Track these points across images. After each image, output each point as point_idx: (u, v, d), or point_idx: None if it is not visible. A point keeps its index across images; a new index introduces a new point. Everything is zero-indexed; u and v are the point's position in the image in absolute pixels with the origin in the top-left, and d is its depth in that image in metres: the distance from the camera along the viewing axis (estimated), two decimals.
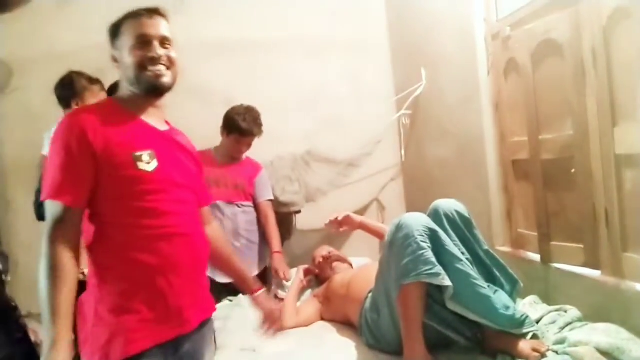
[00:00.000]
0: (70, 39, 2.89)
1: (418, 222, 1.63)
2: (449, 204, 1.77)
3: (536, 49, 1.92)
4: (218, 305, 2.52)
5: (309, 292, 2.44)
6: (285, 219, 2.85)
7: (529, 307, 1.88)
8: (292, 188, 2.76)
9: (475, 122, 2.37)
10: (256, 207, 2.65)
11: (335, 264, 2.35)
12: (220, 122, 3.10)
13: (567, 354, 1.44)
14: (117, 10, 3.26)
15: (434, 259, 1.57)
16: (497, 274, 1.76)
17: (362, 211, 3.24)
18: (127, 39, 1.27)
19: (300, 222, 3.00)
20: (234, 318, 2.34)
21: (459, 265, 1.60)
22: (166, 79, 1.27)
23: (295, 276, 2.42)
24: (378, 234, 2.31)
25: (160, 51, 1.28)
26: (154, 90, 1.28)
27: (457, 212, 1.75)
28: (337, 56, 3.23)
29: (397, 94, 3.20)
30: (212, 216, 1.56)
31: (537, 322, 1.74)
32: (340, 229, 2.22)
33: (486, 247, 1.78)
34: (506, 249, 2.30)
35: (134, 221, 1.21)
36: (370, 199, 3.28)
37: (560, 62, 1.80)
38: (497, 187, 2.33)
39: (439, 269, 1.56)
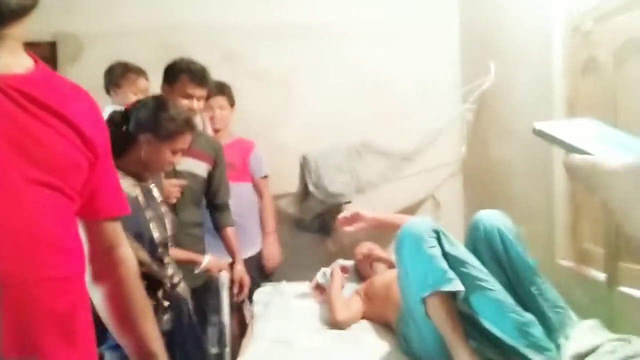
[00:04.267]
0: (141, 16, 2.96)
1: (423, 225, 1.56)
2: (491, 219, 1.65)
3: (620, 48, 1.71)
4: (259, 290, 2.53)
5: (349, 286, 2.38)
6: (334, 208, 2.80)
7: (588, 331, 1.71)
8: (342, 178, 2.70)
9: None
10: (254, 185, 2.62)
11: (375, 263, 2.27)
12: (279, 106, 3.08)
13: None
14: None
15: (444, 264, 1.51)
16: (539, 303, 1.61)
17: (415, 207, 3.12)
18: None
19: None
20: (274, 305, 2.34)
21: (463, 269, 1.53)
22: None
23: (335, 271, 2.36)
24: None
25: None
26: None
27: (499, 229, 1.62)
28: (403, 43, 3.09)
29: (463, 87, 3.03)
30: (123, 237, 0.99)
31: (595, 349, 1.58)
32: (350, 227, 2.02)
33: (528, 273, 1.63)
34: (568, 263, 2.12)
35: None
36: (425, 195, 3.15)
37: None
38: (563, 195, 2.14)
39: (450, 273, 1.50)
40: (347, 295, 2.23)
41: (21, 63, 0.77)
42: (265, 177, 2.69)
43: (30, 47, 0.81)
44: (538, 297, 1.61)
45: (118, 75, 2.10)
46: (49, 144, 0.76)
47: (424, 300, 1.52)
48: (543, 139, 0.48)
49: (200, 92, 2.10)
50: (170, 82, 2.12)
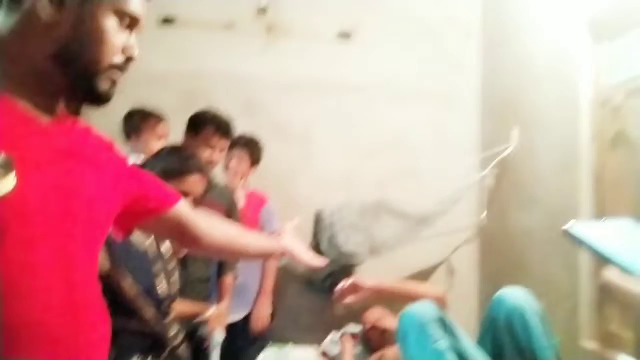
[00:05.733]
0: (164, 62, 3.00)
1: (427, 315, 1.46)
2: (515, 298, 1.53)
3: None
4: (265, 352, 2.40)
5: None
6: (346, 269, 2.70)
7: None
8: (356, 238, 2.61)
9: (571, 194, 2.12)
10: None
11: (385, 334, 2.12)
12: (296, 160, 3.05)
13: None
14: (213, 40, 3.35)
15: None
16: None
17: (429, 272, 3.01)
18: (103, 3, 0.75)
19: (362, 273, 2.81)
20: None
21: None
22: (113, 90, 0.81)
23: (346, 342, 2.22)
24: (410, 297, 2.01)
25: (134, 49, 0.82)
26: (91, 101, 0.80)
27: (522, 311, 1.49)
28: (422, 104, 3.08)
29: (483, 151, 2.99)
30: (192, 215, 1.08)
31: None
32: (349, 299, 1.86)
33: None
34: (593, 345, 1.98)
35: None
36: (440, 260, 3.04)
37: None
38: (588, 271, 2.04)
39: None
40: None
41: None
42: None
43: None
44: None
45: (138, 121, 2.10)
46: (88, 193, 0.79)
47: None
48: (573, 242, 0.41)
49: (223, 143, 2.14)
50: (194, 132, 2.14)
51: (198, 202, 2.13)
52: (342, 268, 2.64)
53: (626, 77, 1.87)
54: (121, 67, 0.80)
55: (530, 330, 1.47)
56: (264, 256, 1.22)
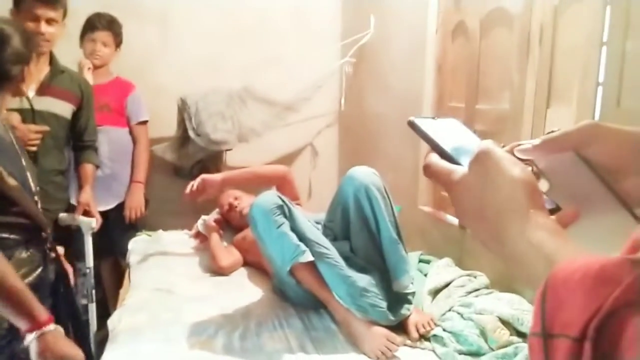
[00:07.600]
0: None
1: (268, 204, 1.63)
2: (362, 176, 1.71)
3: (487, 16, 1.89)
4: (134, 239, 2.45)
5: None
6: (215, 155, 2.76)
7: (442, 269, 1.96)
8: (224, 126, 2.64)
9: (417, 81, 2.35)
10: (130, 130, 2.49)
11: (244, 212, 2.17)
12: (154, 45, 2.88)
13: (471, 319, 1.53)
14: None
15: (294, 239, 1.61)
16: (393, 262, 1.70)
17: (295, 155, 3.20)
18: None
19: (231, 158, 2.90)
20: (152, 254, 2.29)
21: (305, 243, 1.63)
22: None
23: (213, 219, 2.33)
24: (258, 179, 2.15)
25: None
26: None
27: (367, 187, 1.68)
28: None
29: (343, 40, 3.09)
30: None
31: (448, 284, 1.82)
32: (201, 197, 1.99)
33: (386, 232, 1.70)
34: (428, 209, 2.37)
35: None
36: (304, 144, 3.23)
37: (508, 33, 1.79)
38: (427, 150, 2.34)
39: (302, 246, 1.61)
40: (226, 244, 2.24)
41: None
42: (143, 122, 2.52)
43: None
44: (390, 251, 1.71)
45: None
46: None
47: (289, 272, 1.64)
48: (415, 132, 0.52)
49: (49, 13, 1.95)
50: (17, 5, 1.96)
51: (44, 87, 1.99)
52: (211, 155, 2.69)
53: None
54: None
55: (373, 203, 1.68)
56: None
